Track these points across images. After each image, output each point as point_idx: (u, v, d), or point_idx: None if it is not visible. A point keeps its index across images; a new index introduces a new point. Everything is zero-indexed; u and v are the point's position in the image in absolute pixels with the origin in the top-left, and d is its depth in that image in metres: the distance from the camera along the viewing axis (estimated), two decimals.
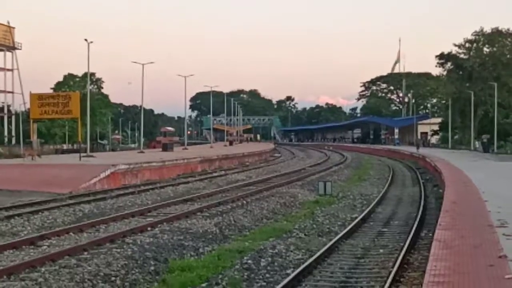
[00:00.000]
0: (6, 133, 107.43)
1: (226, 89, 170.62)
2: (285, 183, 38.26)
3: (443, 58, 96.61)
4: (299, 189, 34.48)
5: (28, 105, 74.17)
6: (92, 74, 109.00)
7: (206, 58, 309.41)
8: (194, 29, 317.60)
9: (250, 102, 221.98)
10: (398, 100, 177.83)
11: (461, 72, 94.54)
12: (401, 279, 13.97)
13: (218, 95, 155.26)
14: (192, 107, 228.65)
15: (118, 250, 16.76)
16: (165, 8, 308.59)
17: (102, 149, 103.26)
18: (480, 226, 14.64)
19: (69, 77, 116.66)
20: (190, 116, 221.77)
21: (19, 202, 27.78)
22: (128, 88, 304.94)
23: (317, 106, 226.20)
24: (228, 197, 29.67)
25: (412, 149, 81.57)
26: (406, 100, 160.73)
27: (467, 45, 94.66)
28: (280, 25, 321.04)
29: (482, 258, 10.98)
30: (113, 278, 14.14)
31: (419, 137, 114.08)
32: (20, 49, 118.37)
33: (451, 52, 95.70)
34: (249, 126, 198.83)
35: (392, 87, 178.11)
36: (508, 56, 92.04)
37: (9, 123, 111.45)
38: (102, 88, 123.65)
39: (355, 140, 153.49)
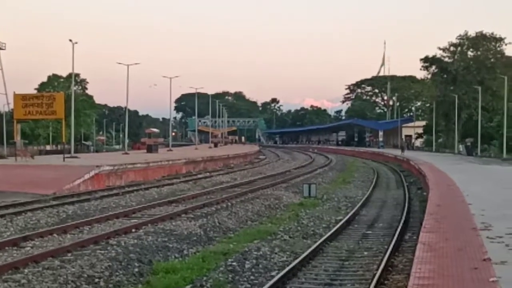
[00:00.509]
0: None
1: (211, 90, 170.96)
2: (270, 185, 38.26)
3: (428, 61, 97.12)
4: (284, 191, 34.49)
5: (11, 106, 73.78)
6: (77, 75, 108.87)
7: (192, 59, 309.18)
8: (180, 31, 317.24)
9: (235, 104, 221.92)
10: (382, 103, 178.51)
11: (445, 76, 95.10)
12: (386, 282, 14.00)
13: (203, 96, 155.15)
14: (177, 109, 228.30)
15: (102, 251, 16.67)
16: (151, 9, 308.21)
17: (86, 150, 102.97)
18: (464, 229, 14.68)
19: (54, 77, 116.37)
20: (175, 118, 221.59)
21: (2, 203, 27.55)
22: (112, 89, 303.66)
23: (302, 109, 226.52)
24: (213, 199, 29.62)
25: (396, 152, 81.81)
26: (391, 103, 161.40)
27: (451, 48, 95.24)
28: (266, 28, 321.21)
29: (466, 261, 11.01)
30: (96, 280, 14.05)
31: (402, 140, 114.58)
32: (4, 49, 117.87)
33: (435, 55, 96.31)
34: (234, 128, 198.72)
35: (376, 90, 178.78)
36: (492, 60, 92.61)
37: None
38: (87, 89, 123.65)
39: (340, 142, 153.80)
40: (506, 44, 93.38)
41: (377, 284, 13.39)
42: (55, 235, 19.60)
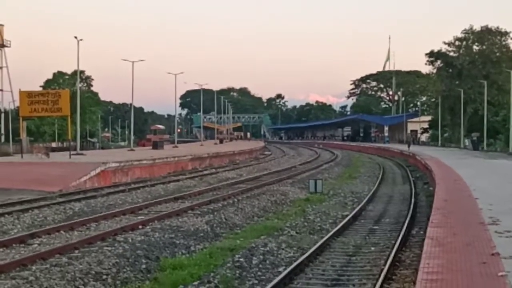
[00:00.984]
0: None
1: (216, 87, 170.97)
2: (276, 181, 38.25)
3: (433, 56, 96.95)
4: (290, 187, 34.47)
5: (17, 103, 73.79)
6: (82, 72, 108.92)
7: (196, 56, 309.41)
8: (184, 27, 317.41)
9: (240, 100, 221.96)
10: (388, 98, 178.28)
11: (450, 70, 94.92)
12: (393, 277, 13.97)
13: (208, 93, 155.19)
14: (182, 105, 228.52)
15: (109, 248, 16.68)
16: (155, 6, 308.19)
17: (92, 147, 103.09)
18: (472, 224, 14.65)
19: (59, 75, 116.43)
20: (180, 114, 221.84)
21: (8, 200, 27.60)
22: (117, 86, 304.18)
23: (307, 104, 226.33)
24: (219, 195, 29.61)
25: (402, 147, 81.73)
26: (396, 98, 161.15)
27: (456, 43, 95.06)
28: (271, 24, 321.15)
29: (474, 256, 10.98)
30: (104, 277, 14.06)
31: (408, 134, 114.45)
32: (9, 47, 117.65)
33: (440, 50, 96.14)
34: (239, 124, 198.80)
35: (382, 85, 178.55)
36: (497, 54, 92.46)
37: None
38: (92, 86, 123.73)
39: (345, 138, 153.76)
40: (511, 38, 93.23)
41: (385, 280, 13.36)
42: (62, 232, 19.62)
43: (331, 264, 15.60)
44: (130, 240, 17.76)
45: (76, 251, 16.43)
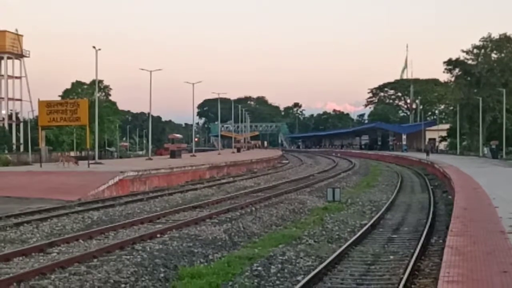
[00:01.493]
0: (14, 140, 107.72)
1: (233, 96, 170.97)
2: (294, 190, 38.19)
3: (451, 64, 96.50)
4: (308, 196, 34.40)
5: (36, 113, 74.33)
6: (100, 82, 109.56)
7: (214, 65, 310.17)
8: (202, 37, 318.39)
9: (257, 109, 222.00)
10: (405, 106, 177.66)
11: (469, 78, 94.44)
12: (412, 286, 13.88)
13: (225, 102, 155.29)
14: (200, 114, 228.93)
15: (128, 257, 16.71)
16: (173, 16, 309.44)
17: (110, 156, 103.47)
18: (492, 232, 14.54)
19: (77, 84, 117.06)
20: (197, 123, 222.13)
21: (28, 209, 27.77)
22: (136, 95, 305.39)
23: (325, 113, 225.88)
24: (237, 204, 29.61)
25: (420, 155, 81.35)
26: (414, 106, 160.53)
27: (475, 51, 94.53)
28: (288, 34, 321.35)
29: (495, 265, 10.89)
30: (123, 285, 14.08)
31: (427, 143, 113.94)
32: (28, 57, 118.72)
33: (459, 58, 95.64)
34: (256, 133, 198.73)
35: (399, 93, 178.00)
36: None
37: (17, 130, 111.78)
38: (110, 95, 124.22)
39: (363, 146, 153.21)
40: None
41: None
42: (80, 240, 19.68)
43: (349, 273, 15.52)
44: (148, 249, 17.78)
45: (95, 260, 16.46)
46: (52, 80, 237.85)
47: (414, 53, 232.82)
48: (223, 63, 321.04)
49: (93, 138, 72.40)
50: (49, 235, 21.30)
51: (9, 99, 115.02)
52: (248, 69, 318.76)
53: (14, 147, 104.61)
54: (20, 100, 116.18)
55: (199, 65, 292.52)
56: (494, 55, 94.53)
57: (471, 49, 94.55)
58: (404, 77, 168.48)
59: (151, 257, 16.61)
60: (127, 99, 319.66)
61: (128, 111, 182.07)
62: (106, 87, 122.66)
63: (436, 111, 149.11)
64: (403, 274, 14.52)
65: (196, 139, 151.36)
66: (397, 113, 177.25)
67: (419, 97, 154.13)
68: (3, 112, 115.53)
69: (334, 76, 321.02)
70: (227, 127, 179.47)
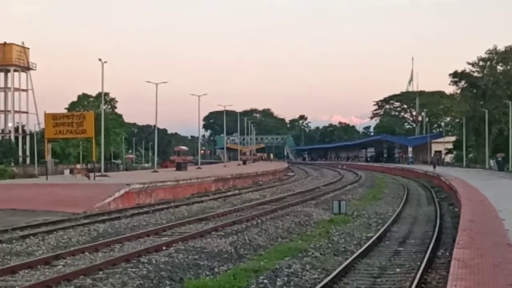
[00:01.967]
0: (20, 153, 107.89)
1: (239, 108, 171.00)
2: (300, 202, 38.14)
3: (457, 76, 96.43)
4: (314, 208, 34.32)
5: (42, 125, 74.53)
6: (106, 94, 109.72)
7: (220, 77, 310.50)
8: (207, 49, 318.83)
9: (263, 121, 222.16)
10: (411, 118, 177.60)
11: (475, 91, 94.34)
12: None
13: (231, 114, 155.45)
14: (206, 126, 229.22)
15: (134, 269, 16.70)
16: (178, 28, 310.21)
17: (116, 169, 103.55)
18: (499, 245, 14.48)
19: (83, 97, 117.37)
20: (203, 136, 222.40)
21: (34, 221, 27.78)
22: (141, 107, 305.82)
23: (330, 125, 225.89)
24: (243, 216, 29.57)
25: (426, 168, 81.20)
26: (420, 118, 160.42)
27: (480, 63, 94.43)
28: (293, 46, 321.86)
29: (502, 278, 10.84)
30: None
31: (433, 155, 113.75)
32: (35, 70, 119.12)
33: (464, 70, 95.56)
34: (262, 145, 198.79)
35: (405, 106, 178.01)
36: None
37: (24, 143, 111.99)
38: (116, 107, 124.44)
39: (369, 159, 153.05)
40: None
41: None
42: (86, 253, 19.67)
43: (356, 286, 15.48)
44: (154, 262, 17.76)
45: (101, 273, 16.45)
46: (58, 92, 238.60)
47: (420, 66, 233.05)
48: (228, 75, 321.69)
49: (99, 150, 72.46)
50: (55, 247, 21.29)
51: (15, 111, 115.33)
52: (253, 81, 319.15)
53: (20, 159, 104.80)
54: (27, 112, 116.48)
55: (205, 78, 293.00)
56: (499, 67, 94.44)
57: (476, 61, 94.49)
58: (410, 89, 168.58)
59: (157, 270, 16.59)
60: (133, 111, 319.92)
61: (134, 124, 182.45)
62: (112, 99, 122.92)
63: (442, 123, 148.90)
64: (410, 287, 14.47)
65: (202, 152, 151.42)
66: (403, 126, 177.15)
67: (425, 109, 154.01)
68: (10, 124, 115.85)
69: (340, 89, 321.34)
70: (233, 140, 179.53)
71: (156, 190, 42.52)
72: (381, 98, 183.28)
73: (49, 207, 32.64)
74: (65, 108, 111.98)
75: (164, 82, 79.66)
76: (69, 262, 18.24)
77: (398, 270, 17.49)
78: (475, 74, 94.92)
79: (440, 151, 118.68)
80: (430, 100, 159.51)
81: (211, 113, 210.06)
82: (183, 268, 17.26)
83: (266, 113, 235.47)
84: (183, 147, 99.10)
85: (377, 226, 27.42)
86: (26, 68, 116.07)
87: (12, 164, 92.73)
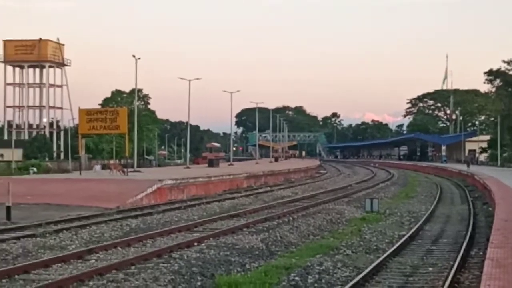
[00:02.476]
0: (55, 148, 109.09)
1: (271, 105, 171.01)
2: (332, 200, 38.02)
3: (492, 74, 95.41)
4: (346, 206, 34.18)
5: (76, 121, 75.28)
6: (140, 90, 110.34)
7: (252, 74, 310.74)
8: (241, 47, 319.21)
9: (295, 118, 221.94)
10: (445, 117, 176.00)
11: (510, 89, 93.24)
12: None
13: (263, 111, 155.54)
14: (238, 123, 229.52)
15: (165, 265, 16.77)
16: (211, 27, 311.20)
17: (148, 165, 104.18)
18: None
19: (117, 93, 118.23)
20: (235, 132, 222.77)
21: (67, 216, 28.06)
22: (174, 104, 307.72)
23: (363, 123, 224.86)
24: (274, 213, 29.56)
25: (460, 167, 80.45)
26: (454, 117, 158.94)
27: None
28: (326, 43, 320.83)
29: None
30: None
31: (466, 154, 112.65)
32: (69, 66, 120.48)
33: (499, 68, 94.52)
34: (294, 143, 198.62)
35: (439, 104, 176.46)
36: None
37: (58, 138, 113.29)
38: (149, 104, 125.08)
39: (402, 157, 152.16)
40: None
41: None
42: (118, 248, 19.80)
43: (387, 284, 15.37)
44: (185, 257, 17.83)
45: (133, 267, 16.56)
46: (92, 88, 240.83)
47: (454, 63, 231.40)
48: (261, 72, 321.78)
49: (132, 146, 72.99)
50: (88, 242, 21.47)
51: (50, 107, 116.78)
52: (286, 79, 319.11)
53: (55, 154, 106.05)
54: (61, 108, 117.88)
55: (238, 75, 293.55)
56: None
57: None
58: (444, 87, 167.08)
59: (188, 266, 16.65)
60: (166, 108, 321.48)
61: (167, 120, 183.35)
62: (146, 96, 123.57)
63: (477, 122, 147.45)
64: (442, 286, 14.34)
65: (234, 148, 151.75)
66: (436, 124, 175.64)
67: (459, 108, 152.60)
68: (45, 120, 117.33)
69: (373, 86, 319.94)
70: (265, 137, 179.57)
71: (188, 186, 42.69)
72: (415, 96, 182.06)
73: (83, 202, 32.95)
74: (99, 104, 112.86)
75: (197, 79, 79.97)
76: (101, 257, 18.39)
77: (430, 269, 17.33)
78: (510, 72, 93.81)
79: (474, 150, 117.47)
80: (465, 99, 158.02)
81: (243, 110, 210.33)
82: (215, 264, 17.30)
83: (299, 110, 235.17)
84: (215, 144, 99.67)
85: (410, 225, 27.21)
86: (61, 64, 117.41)
87: (47, 159, 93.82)
